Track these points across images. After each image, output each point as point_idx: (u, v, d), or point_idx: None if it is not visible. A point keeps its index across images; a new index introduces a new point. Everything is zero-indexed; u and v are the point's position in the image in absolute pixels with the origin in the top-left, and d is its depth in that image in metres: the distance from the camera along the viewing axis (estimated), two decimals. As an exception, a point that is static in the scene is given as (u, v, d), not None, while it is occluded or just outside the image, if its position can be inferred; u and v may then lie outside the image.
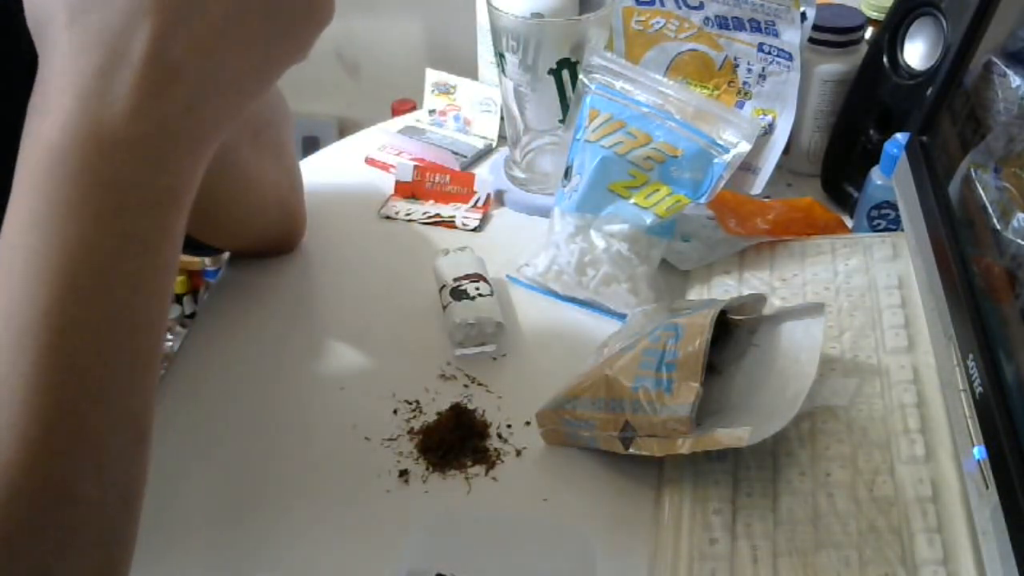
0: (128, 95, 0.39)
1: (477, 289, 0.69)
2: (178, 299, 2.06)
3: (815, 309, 0.59)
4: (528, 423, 0.61)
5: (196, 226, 0.64)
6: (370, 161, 0.92)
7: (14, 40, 0.42)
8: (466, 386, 0.65)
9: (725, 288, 0.70)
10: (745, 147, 0.71)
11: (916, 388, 0.58)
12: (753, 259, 0.72)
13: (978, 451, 0.48)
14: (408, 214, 0.84)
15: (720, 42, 0.82)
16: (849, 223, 0.77)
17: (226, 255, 0.80)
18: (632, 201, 0.71)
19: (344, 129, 2.12)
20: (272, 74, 0.45)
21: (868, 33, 0.84)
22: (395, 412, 0.63)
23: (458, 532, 0.50)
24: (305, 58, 0.46)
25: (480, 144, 0.93)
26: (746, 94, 0.83)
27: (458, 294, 0.69)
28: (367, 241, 0.82)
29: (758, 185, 0.81)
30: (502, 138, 0.91)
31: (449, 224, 0.83)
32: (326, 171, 0.91)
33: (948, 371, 0.54)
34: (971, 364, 0.51)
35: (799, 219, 0.75)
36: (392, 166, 0.89)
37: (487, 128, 0.93)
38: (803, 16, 0.77)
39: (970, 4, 0.70)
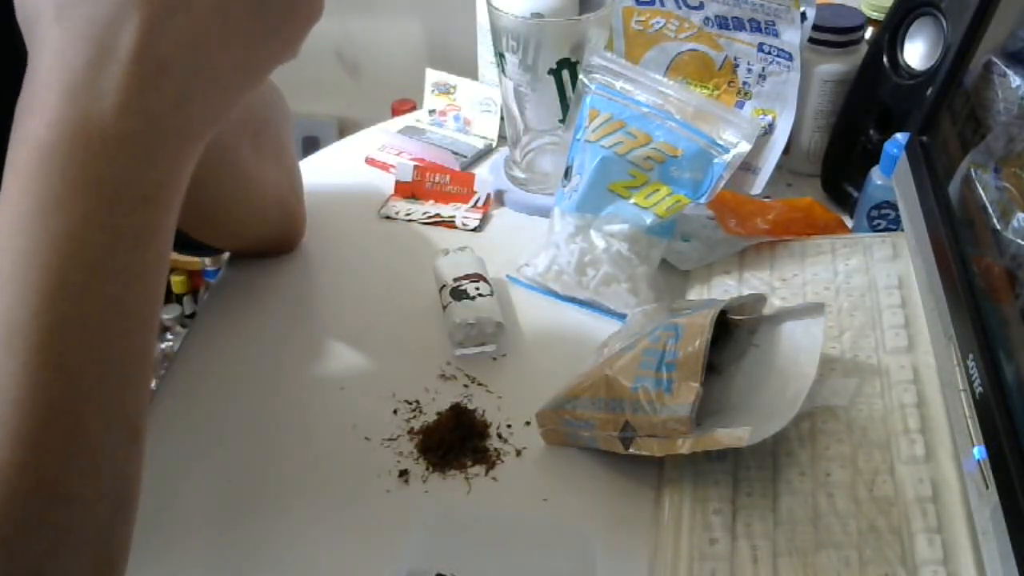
0: (116, 90, 0.39)
1: (477, 289, 0.69)
2: (178, 299, 2.06)
3: (815, 309, 0.59)
4: (528, 423, 0.61)
5: (196, 226, 0.65)
6: (370, 161, 0.92)
7: (8, 39, 0.42)
8: (466, 386, 0.65)
9: (725, 288, 0.70)
10: (745, 147, 0.71)
11: (916, 388, 0.58)
12: (753, 259, 0.72)
13: (978, 451, 0.48)
14: (408, 214, 0.84)
15: (720, 42, 0.82)
16: (849, 223, 0.77)
17: (226, 255, 0.80)
18: (632, 201, 0.71)
19: (344, 129, 2.12)
20: (261, 71, 0.45)
21: (868, 33, 0.84)
22: (395, 412, 0.63)
23: (458, 532, 0.50)
24: (295, 56, 0.46)
25: (480, 144, 0.93)
26: (746, 94, 0.83)
27: (458, 294, 0.69)
28: (367, 241, 0.82)
29: (758, 185, 0.81)
30: (502, 138, 0.91)
31: (449, 224, 0.83)
32: (326, 171, 0.91)
33: (948, 371, 0.54)
34: (971, 364, 0.51)
35: (799, 219, 0.75)
36: (392, 166, 0.89)
37: (487, 128, 0.93)
38: (803, 16, 0.77)
39: (970, 4, 0.70)
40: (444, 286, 0.70)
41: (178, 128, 0.41)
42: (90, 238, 0.39)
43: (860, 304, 0.66)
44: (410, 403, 0.64)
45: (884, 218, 0.73)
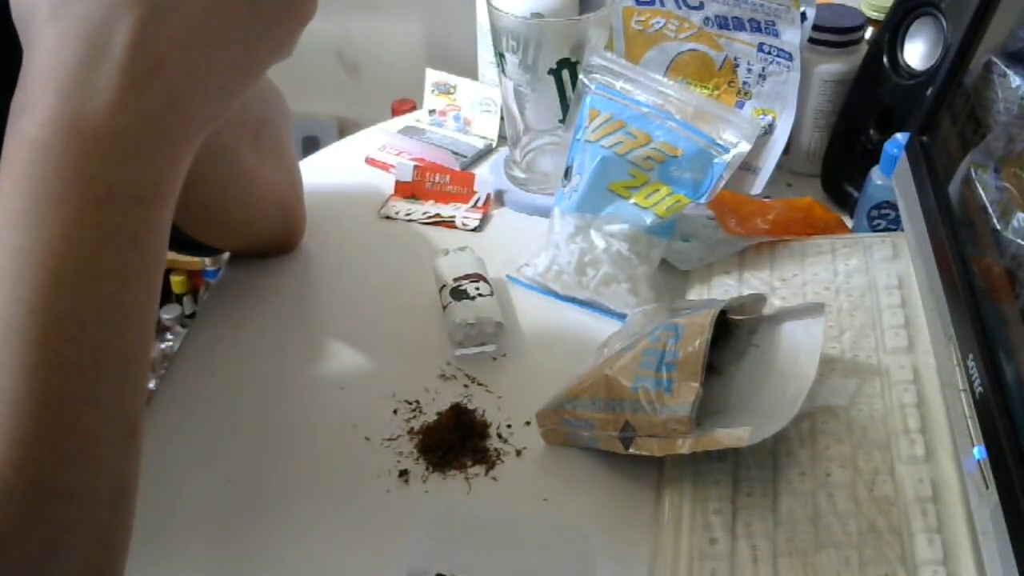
0: (109, 89, 0.39)
1: (477, 289, 0.69)
2: (178, 299, 2.06)
3: (815, 309, 0.59)
4: (528, 423, 0.61)
5: (196, 226, 0.65)
6: (370, 161, 0.92)
7: (5, 38, 0.42)
8: (466, 386, 0.65)
9: (725, 288, 0.70)
10: (745, 147, 0.71)
11: (916, 388, 0.58)
12: (753, 259, 0.72)
13: (978, 451, 0.48)
14: (408, 214, 0.84)
15: (720, 42, 0.82)
16: (849, 223, 0.77)
17: (226, 255, 0.80)
18: (632, 201, 0.71)
19: (344, 129, 2.12)
20: (256, 70, 0.45)
21: (868, 33, 0.84)
22: (395, 412, 0.63)
23: (458, 532, 0.50)
24: (289, 55, 0.46)
25: (480, 144, 0.93)
26: (746, 94, 0.83)
27: (458, 294, 0.69)
28: (367, 241, 0.82)
29: (758, 185, 0.81)
30: (502, 138, 0.91)
31: (449, 224, 0.83)
32: (326, 171, 0.91)
33: (948, 371, 0.54)
34: (971, 364, 0.51)
35: (799, 219, 0.75)
36: (392, 166, 0.89)
37: (487, 128, 0.93)
38: (803, 16, 0.77)
39: (970, 4, 0.70)
40: (444, 286, 0.70)
41: (172, 127, 0.41)
42: (85, 236, 0.39)
43: (860, 304, 0.66)
44: (410, 403, 0.64)
45: (884, 218, 0.73)
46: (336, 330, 0.72)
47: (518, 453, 0.60)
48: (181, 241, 0.65)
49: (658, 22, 0.83)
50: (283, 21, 0.44)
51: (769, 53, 0.80)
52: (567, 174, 0.74)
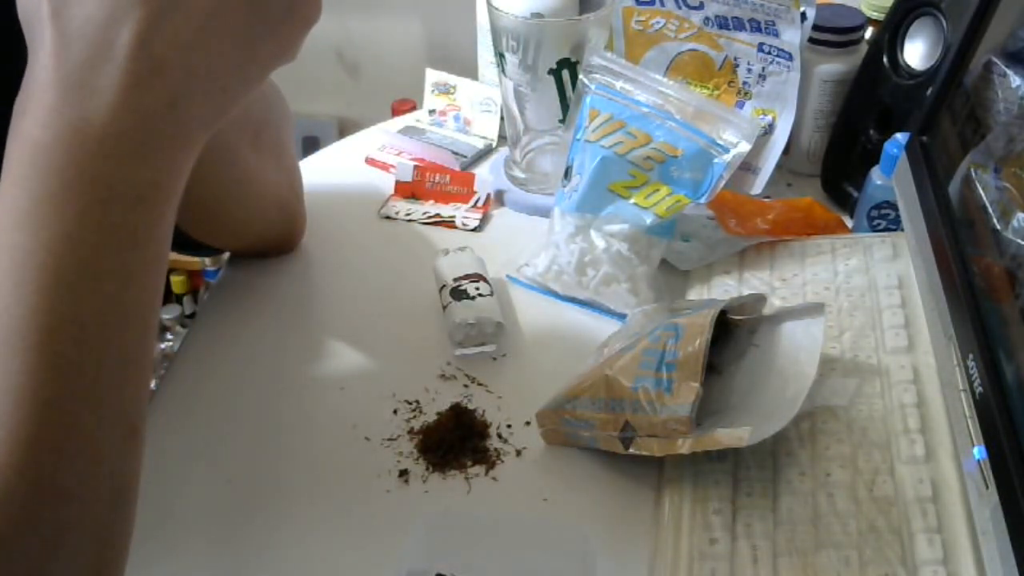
0: (111, 89, 0.39)
1: (477, 289, 0.69)
2: (178, 299, 2.06)
3: (815, 309, 0.59)
4: (528, 423, 0.61)
5: (196, 226, 0.65)
6: (370, 161, 0.92)
7: (9, 38, 0.42)
8: (466, 386, 0.65)
9: (725, 288, 0.70)
10: (745, 147, 0.71)
11: (916, 388, 0.58)
12: (753, 259, 0.72)
13: (978, 451, 0.48)
14: (408, 214, 0.84)
15: (720, 42, 0.82)
16: (849, 223, 0.77)
17: (226, 255, 0.80)
18: (632, 201, 0.71)
19: (344, 129, 2.12)
20: (259, 73, 0.45)
21: (868, 33, 0.84)
22: (395, 412, 0.63)
23: (458, 532, 0.50)
24: (293, 58, 0.46)
25: (480, 144, 0.93)
26: (746, 94, 0.83)
27: (458, 294, 0.69)
28: (367, 241, 0.82)
29: (758, 185, 0.81)
30: (502, 138, 0.91)
31: (449, 224, 0.83)
32: (326, 171, 0.91)
33: (948, 371, 0.54)
34: (971, 364, 0.51)
35: (799, 219, 0.75)
36: (392, 166, 0.89)
37: (487, 128, 0.93)
38: (803, 16, 0.77)
39: (970, 4, 0.70)
40: (444, 286, 0.70)
41: (173, 128, 0.41)
42: (86, 237, 0.39)
43: (860, 304, 0.66)
44: (410, 403, 0.64)
45: (884, 218, 0.73)
46: (336, 330, 0.72)
47: (518, 453, 0.60)
48: (181, 241, 0.65)
49: (658, 22, 0.83)
50: (286, 24, 0.44)
51: (769, 53, 0.80)
52: (567, 174, 0.74)
